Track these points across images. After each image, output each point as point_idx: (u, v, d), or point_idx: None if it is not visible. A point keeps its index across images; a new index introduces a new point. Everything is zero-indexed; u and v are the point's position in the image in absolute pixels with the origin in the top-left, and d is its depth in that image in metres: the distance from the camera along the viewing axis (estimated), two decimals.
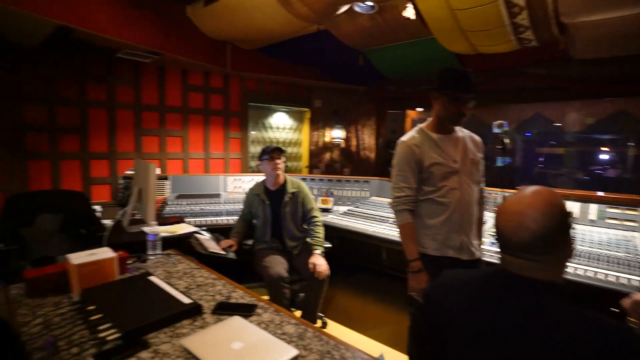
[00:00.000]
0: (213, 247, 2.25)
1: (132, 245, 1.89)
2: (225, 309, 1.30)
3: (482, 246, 1.89)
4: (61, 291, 1.42)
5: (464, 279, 0.93)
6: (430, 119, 1.79)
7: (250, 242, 2.69)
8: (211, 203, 3.36)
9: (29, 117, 3.35)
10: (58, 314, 1.26)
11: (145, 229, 1.95)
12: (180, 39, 3.53)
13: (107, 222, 2.88)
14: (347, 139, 5.38)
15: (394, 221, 2.96)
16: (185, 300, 1.28)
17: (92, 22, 2.84)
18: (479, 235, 1.85)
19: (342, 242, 3.22)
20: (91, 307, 1.25)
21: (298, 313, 2.48)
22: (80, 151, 3.66)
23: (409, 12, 2.91)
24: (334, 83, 5.07)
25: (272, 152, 2.56)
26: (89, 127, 3.68)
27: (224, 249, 2.33)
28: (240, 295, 1.44)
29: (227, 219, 3.08)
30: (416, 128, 1.80)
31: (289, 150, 5.41)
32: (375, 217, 3.11)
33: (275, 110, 5.41)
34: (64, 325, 1.19)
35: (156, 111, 4.07)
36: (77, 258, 1.40)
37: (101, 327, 1.13)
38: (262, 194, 2.61)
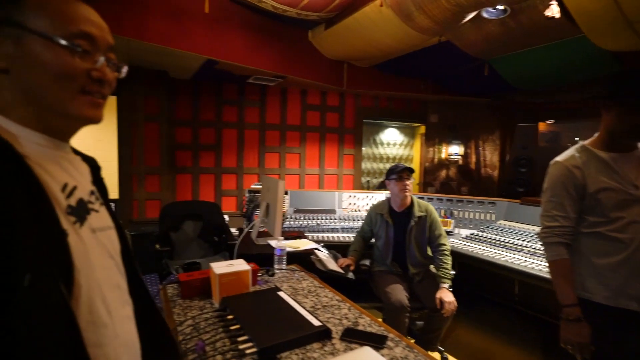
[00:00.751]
0: (332, 265, 2.24)
1: (259, 257, 2.00)
2: (354, 337, 1.24)
3: None
4: (204, 296, 1.56)
5: None
6: (597, 134, 1.47)
7: (367, 262, 2.62)
8: (327, 219, 3.41)
9: (179, 137, 3.98)
10: (204, 318, 1.37)
11: (272, 242, 2.04)
12: (302, 62, 3.76)
13: (233, 230, 3.19)
14: (465, 156, 4.96)
15: (528, 250, 2.57)
16: (315, 322, 1.27)
17: (232, 54, 3.23)
18: None
19: (464, 268, 2.90)
20: (230, 317, 1.33)
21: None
22: (215, 166, 4.17)
23: (553, 10, 2.54)
24: (452, 96, 4.76)
25: (401, 172, 2.39)
26: (223, 145, 4.19)
27: (342, 268, 2.31)
28: (367, 322, 1.37)
29: (343, 236, 3.08)
30: (577, 146, 1.50)
31: None
32: (504, 243, 2.73)
33: (387, 126, 5.33)
34: (209, 330, 1.28)
35: (278, 130, 4.40)
36: (219, 267, 1.53)
37: (240, 339, 1.19)
38: (387, 215, 2.48)
